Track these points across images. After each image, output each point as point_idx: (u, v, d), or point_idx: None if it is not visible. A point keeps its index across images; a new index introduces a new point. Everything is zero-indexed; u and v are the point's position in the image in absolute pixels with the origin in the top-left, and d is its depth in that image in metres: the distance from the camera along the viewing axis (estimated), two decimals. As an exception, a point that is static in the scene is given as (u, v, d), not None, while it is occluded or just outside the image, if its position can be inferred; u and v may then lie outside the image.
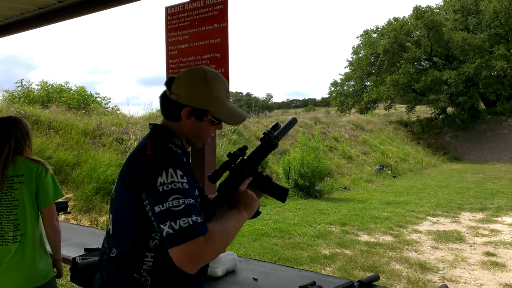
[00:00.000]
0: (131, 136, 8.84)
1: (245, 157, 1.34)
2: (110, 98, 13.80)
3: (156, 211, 1.07)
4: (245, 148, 1.32)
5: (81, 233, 2.74)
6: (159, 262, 1.20)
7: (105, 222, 5.96)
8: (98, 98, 12.72)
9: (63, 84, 12.29)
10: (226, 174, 1.31)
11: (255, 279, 1.88)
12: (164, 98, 1.27)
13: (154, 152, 1.17)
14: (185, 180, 1.11)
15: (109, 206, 1.37)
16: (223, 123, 1.31)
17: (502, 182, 12.46)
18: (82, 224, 5.57)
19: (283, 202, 1.41)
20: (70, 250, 2.19)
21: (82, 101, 11.51)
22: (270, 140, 1.37)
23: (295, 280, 1.83)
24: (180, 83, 1.24)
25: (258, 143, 1.39)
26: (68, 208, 2.82)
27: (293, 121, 1.50)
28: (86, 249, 2.17)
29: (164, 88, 1.30)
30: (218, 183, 1.31)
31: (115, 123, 9.47)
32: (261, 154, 1.36)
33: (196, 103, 1.23)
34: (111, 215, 1.28)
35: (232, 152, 1.29)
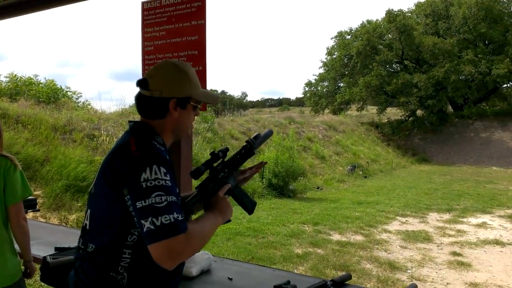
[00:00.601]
0: (103, 132, 8.65)
1: (225, 159, 1.40)
2: (81, 93, 13.46)
3: (138, 206, 1.08)
4: (226, 149, 1.38)
5: (51, 232, 2.66)
6: (136, 260, 1.19)
7: (75, 220, 5.81)
8: (68, 92, 12.35)
9: (32, 76, 11.87)
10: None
11: (230, 279, 1.88)
12: (143, 98, 1.29)
13: (138, 148, 1.18)
14: (168, 178, 1.13)
15: (79, 204, 1.37)
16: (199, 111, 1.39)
17: (468, 183, 12.91)
18: (51, 222, 5.41)
19: (250, 214, 1.50)
20: (40, 249, 2.12)
21: (52, 95, 11.15)
22: (252, 148, 1.47)
23: (270, 280, 1.84)
24: (159, 79, 1.27)
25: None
26: (37, 206, 2.74)
27: (270, 133, 1.61)
28: (56, 248, 2.11)
29: (135, 87, 1.32)
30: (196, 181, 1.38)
31: (86, 118, 9.24)
32: (241, 159, 1.45)
33: (180, 93, 1.28)
34: (89, 211, 1.27)
35: (215, 152, 1.35)
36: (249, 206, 1.48)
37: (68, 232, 2.66)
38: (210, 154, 1.37)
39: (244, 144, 1.48)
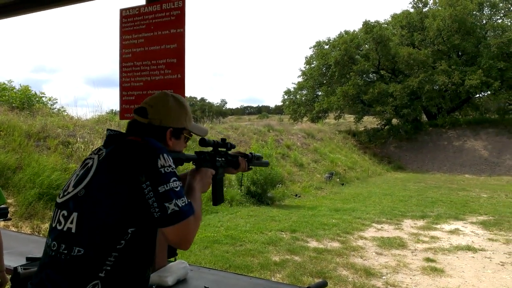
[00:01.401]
0: (78, 139, 8.49)
1: (229, 152, 1.67)
2: (57, 99, 13.18)
3: (160, 190, 1.18)
4: (234, 146, 1.69)
5: (23, 241, 2.59)
6: (118, 264, 1.19)
7: (48, 230, 5.66)
8: (43, 98, 12.09)
9: (5, 82, 11.57)
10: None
11: (207, 288, 1.88)
12: (140, 125, 1.38)
13: (142, 138, 1.29)
14: (174, 165, 1.27)
15: (52, 212, 1.34)
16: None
17: (442, 191, 13.21)
18: (23, 231, 5.27)
19: (214, 205, 1.69)
20: (12, 260, 2.07)
21: (26, 101, 10.89)
22: (249, 161, 1.77)
23: (246, 288, 1.85)
24: (159, 108, 1.40)
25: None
26: (9, 215, 2.67)
27: (267, 164, 1.98)
28: (28, 258, 2.06)
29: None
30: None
31: (61, 125, 9.05)
32: (237, 162, 1.70)
33: (177, 123, 1.42)
34: (75, 213, 1.23)
35: (226, 141, 1.65)
36: (218, 198, 1.64)
37: (41, 242, 2.60)
38: (221, 139, 1.63)
39: (247, 154, 1.75)
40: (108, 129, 1.38)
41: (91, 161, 1.31)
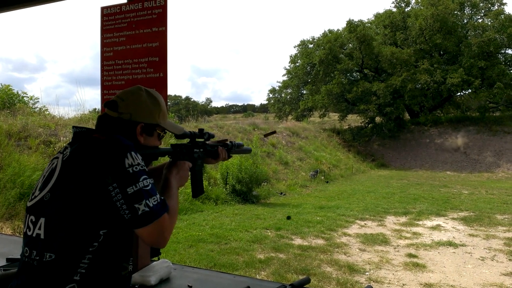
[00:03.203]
0: (61, 138, 8.37)
1: (207, 142, 1.62)
2: (38, 98, 12.96)
3: (129, 192, 1.13)
4: (213, 135, 1.64)
5: (3, 242, 2.55)
6: (92, 266, 1.16)
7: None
8: (25, 98, 11.88)
9: (-14, 82, 11.34)
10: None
11: (190, 287, 1.88)
12: (109, 119, 1.32)
13: (107, 136, 1.22)
14: (143, 162, 1.21)
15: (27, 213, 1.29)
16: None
17: (424, 187, 13.43)
18: (3, 232, 5.17)
19: (193, 197, 1.67)
20: (-10, 261, 2.04)
21: (7, 101, 10.68)
22: (229, 150, 1.71)
23: (230, 286, 1.85)
24: (130, 102, 1.33)
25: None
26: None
27: (249, 150, 1.88)
28: (8, 259, 2.03)
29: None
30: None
31: (42, 124, 8.91)
32: (216, 152, 1.65)
33: (149, 119, 1.35)
34: (42, 219, 1.19)
35: (204, 131, 1.58)
36: (198, 190, 1.60)
37: (22, 243, 2.56)
38: (198, 129, 1.56)
39: (226, 142, 1.66)
40: (73, 126, 1.31)
41: (56, 161, 1.25)
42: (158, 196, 1.18)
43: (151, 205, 1.14)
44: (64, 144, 8.40)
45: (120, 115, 1.31)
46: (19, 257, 2.01)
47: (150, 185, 1.17)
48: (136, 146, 1.28)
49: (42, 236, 1.18)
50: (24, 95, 11.99)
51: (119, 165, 1.14)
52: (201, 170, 1.60)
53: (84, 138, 1.25)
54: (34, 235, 1.20)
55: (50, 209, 1.18)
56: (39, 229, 1.19)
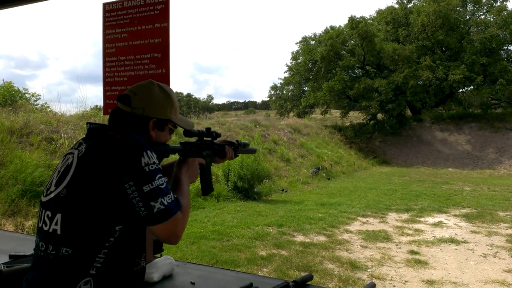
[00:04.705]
0: (62, 135, 8.37)
1: (214, 141, 1.64)
2: (40, 95, 13.00)
3: (145, 190, 1.15)
4: (219, 135, 1.67)
5: (6, 239, 2.55)
6: (108, 262, 1.18)
7: (31, 227, 5.59)
8: (26, 95, 11.92)
9: (-13, 79, 11.37)
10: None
11: (193, 283, 1.88)
12: (122, 113, 1.32)
13: (123, 135, 1.23)
14: (158, 161, 1.23)
15: (36, 209, 1.31)
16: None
17: (426, 184, 13.41)
18: (6, 229, 5.18)
19: (203, 195, 1.75)
20: (-7, 258, 2.04)
21: (9, 97, 10.71)
22: (235, 149, 1.74)
23: (232, 283, 1.85)
24: (143, 97, 1.33)
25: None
26: (-10, 212, 2.63)
27: (254, 151, 1.91)
28: (11, 256, 2.03)
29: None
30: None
31: (44, 121, 8.91)
32: (223, 151, 1.67)
33: (161, 114, 1.36)
34: (58, 215, 1.20)
35: (211, 130, 1.60)
36: (207, 188, 1.63)
37: (24, 239, 2.56)
38: (206, 128, 1.58)
39: (233, 141, 1.69)
40: (88, 123, 1.33)
41: (71, 157, 1.26)
42: (172, 194, 1.21)
43: (165, 203, 1.17)
44: (75, 141, 8.45)
45: (133, 109, 1.31)
46: (22, 253, 2.01)
47: (164, 183, 1.19)
48: (148, 143, 1.29)
49: (58, 232, 1.19)
50: (26, 91, 12.03)
51: (135, 164, 1.16)
52: (209, 168, 1.62)
53: (100, 135, 1.26)
54: (50, 230, 1.21)
55: (66, 205, 1.20)
56: (56, 224, 1.20)
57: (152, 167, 1.17)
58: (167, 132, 1.41)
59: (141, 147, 1.19)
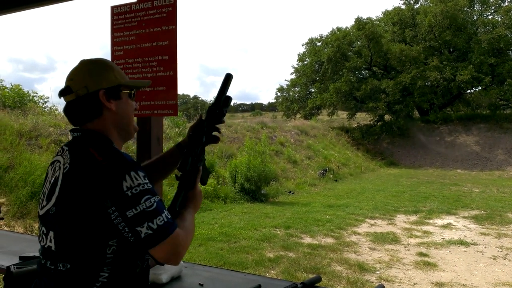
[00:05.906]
0: (70, 137, 8.43)
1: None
2: (48, 97, 13.10)
3: (129, 216, 1.07)
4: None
5: (15, 241, 2.57)
6: (114, 276, 1.16)
7: (40, 228, 5.62)
8: (35, 97, 12.02)
9: (-4, 82, 11.49)
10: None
11: (201, 285, 1.88)
12: (72, 104, 1.24)
13: (104, 157, 1.13)
14: (147, 180, 1.13)
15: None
16: (136, 103, 1.34)
17: (434, 186, 13.31)
18: (15, 230, 5.23)
19: (203, 184, 1.47)
20: (4, 259, 2.05)
21: (18, 100, 10.81)
22: (218, 115, 1.44)
23: (241, 284, 1.85)
24: (80, 77, 1.23)
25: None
26: (1, 214, 2.65)
27: (230, 77, 1.45)
28: (21, 257, 2.05)
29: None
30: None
31: (53, 123, 8.99)
32: (209, 130, 1.41)
33: (107, 82, 1.24)
34: (51, 232, 1.18)
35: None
36: (205, 180, 1.47)
37: (34, 241, 2.58)
38: (188, 137, 1.40)
39: (207, 110, 1.44)
40: (71, 130, 1.27)
41: (58, 169, 1.21)
42: (165, 214, 1.11)
43: (154, 227, 1.08)
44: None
45: (77, 93, 1.21)
46: (31, 255, 2.03)
47: (154, 204, 1.09)
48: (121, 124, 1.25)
49: (53, 248, 1.18)
50: (35, 94, 12.13)
51: (116, 189, 1.07)
52: (204, 165, 1.45)
53: (81, 152, 1.18)
54: (46, 246, 1.20)
55: (57, 224, 1.17)
56: (50, 241, 1.19)
57: (136, 190, 1.08)
58: (127, 99, 1.29)
59: (123, 169, 1.09)
